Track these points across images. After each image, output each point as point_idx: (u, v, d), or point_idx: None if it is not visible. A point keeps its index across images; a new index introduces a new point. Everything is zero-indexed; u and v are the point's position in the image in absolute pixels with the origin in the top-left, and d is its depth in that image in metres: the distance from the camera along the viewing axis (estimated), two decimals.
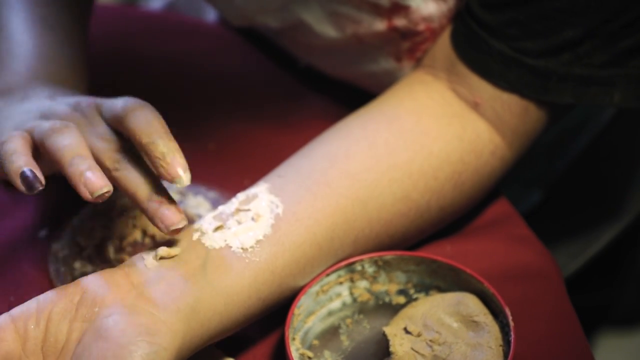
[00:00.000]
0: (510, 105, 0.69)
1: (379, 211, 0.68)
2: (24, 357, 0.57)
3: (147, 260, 0.61)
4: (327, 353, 0.65)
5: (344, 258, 0.67)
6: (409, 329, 0.63)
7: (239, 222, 0.64)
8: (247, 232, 0.63)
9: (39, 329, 0.58)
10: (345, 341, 0.66)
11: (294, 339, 0.64)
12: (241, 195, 0.66)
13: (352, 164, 0.68)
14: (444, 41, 0.72)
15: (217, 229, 0.64)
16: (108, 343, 0.56)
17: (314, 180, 0.67)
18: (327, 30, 0.77)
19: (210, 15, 1.01)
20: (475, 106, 0.70)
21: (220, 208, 0.66)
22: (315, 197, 0.66)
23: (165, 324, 0.57)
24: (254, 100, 0.88)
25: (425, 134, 0.69)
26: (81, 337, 0.58)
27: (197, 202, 0.77)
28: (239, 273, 0.62)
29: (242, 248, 0.63)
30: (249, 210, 0.65)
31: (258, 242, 0.63)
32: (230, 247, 0.63)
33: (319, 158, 0.68)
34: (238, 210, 0.65)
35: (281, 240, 0.64)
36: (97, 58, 0.92)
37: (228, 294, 0.61)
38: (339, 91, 0.86)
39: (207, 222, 0.64)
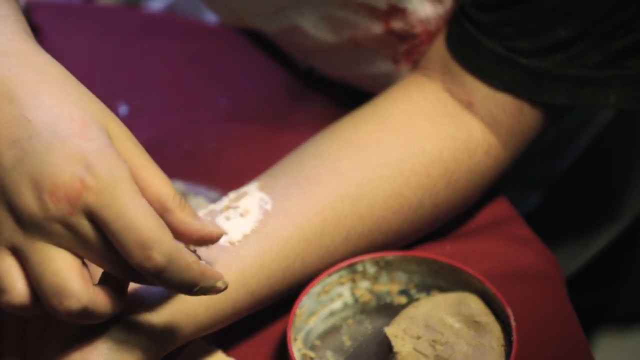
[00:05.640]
0: (504, 105, 0.69)
1: (370, 208, 0.68)
2: None
3: None
4: (328, 353, 0.66)
5: (338, 256, 0.67)
6: (410, 329, 0.63)
7: (228, 218, 0.65)
8: (235, 227, 0.64)
9: None
10: (347, 341, 0.66)
11: (295, 339, 0.64)
12: (232, 194, 0.67)
13: (342, 162, 0.68)
14: (439, 42, 0.72)
15: None
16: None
17: (304, 178, 0.67)
18: (323, 34, 0.77)
19: (211, 15, 1.01)
20: (469, 106, 0.70)
21: (211, 206, 0.67)
22: (305, 194, 0.66)
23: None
24: (254, 100, 0.88)
25: (417, 132, 0.70)
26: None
27: (198, 203, 0.77)
28: (226, 265, 0.62)
29: (229, 242, 0.63)
30: (238, 207, 0.66)
31: (245, 236, 0.64)
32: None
33: (310, 157, 0.69)
34: (227, 207, 0.66)
35: (269, 235, 0.64)
36: (98, 58, 0.93)
37: None
38: (340, 92, 0.86)
39: None
